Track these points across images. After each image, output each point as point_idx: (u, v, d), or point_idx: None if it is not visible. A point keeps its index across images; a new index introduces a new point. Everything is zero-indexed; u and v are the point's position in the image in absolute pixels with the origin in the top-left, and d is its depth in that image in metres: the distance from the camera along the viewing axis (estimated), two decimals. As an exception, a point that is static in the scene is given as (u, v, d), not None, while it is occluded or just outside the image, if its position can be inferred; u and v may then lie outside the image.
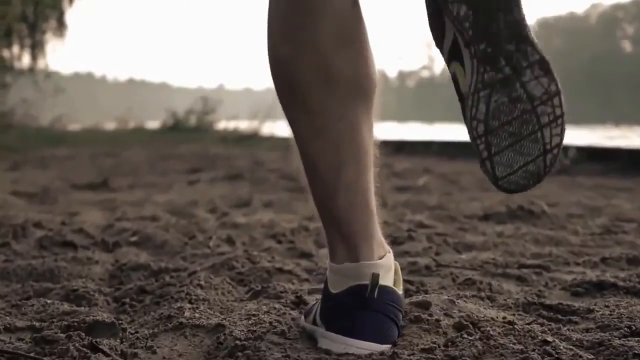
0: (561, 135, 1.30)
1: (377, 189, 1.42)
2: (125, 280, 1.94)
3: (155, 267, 2.02)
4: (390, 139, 8.77)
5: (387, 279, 1.36)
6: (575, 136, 10.64)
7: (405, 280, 1.70)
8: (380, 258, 1.38)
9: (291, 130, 1.41)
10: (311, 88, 1.35)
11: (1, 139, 10.03)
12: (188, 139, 13.33)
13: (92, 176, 5.72)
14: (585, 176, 5.65)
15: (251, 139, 12.51)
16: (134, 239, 2.56)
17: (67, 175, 5.85)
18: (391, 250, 1.41)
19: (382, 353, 1.27)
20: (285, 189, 4.62)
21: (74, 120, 18.95)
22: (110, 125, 17.75)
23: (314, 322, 1.44)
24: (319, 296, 1.49)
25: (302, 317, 1.50)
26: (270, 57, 1.38)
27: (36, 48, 21.33)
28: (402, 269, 1.49)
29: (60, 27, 21.67)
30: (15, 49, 21.29)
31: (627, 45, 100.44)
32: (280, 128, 14.63)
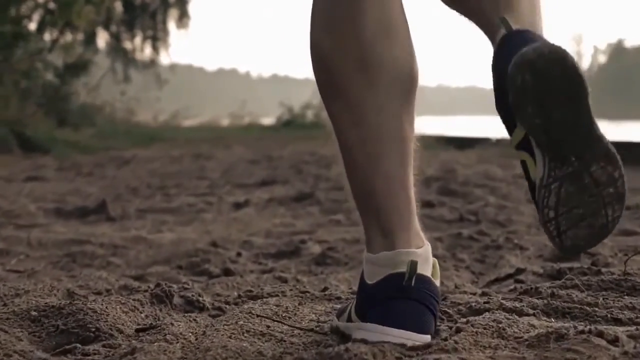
0: (621, 209, 1.31)
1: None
2: None
3: None
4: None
5: (425, 269, 1.35)
6: None
7: None
8: (418, 248, 1.36)
9: (331, 122, 1.42)
10: (351, 79, 1.36)
11: (76, 137, 8.87)
12: (301, 136, 11.98)
13: (124, 190, 4.41)
14: None
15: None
16: None
17: (84, 190, 4.50)
18: (429, 244, 1.39)
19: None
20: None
21: (195, 116, 18.14)
22: (225, 122, 16.67)
23: (349, 320, 1.42)
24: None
25: (335, 317, 1.48)
26: (311, 49, 1.40)
27: (157, 40, 20.65)
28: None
29: (183, 17, 20.87)
30: (138, 40, 20.65)
31: None
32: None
